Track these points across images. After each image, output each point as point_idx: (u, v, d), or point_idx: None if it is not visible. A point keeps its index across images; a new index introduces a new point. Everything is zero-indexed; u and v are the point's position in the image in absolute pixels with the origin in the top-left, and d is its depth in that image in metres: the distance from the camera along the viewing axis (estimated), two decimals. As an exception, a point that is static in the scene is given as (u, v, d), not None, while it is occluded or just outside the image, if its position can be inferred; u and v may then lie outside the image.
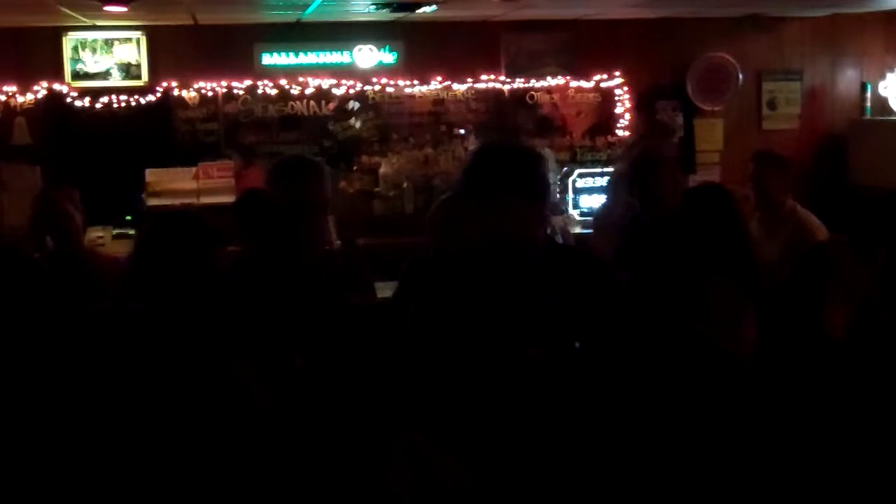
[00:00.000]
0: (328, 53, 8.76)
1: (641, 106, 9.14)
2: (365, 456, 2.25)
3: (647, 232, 4.88)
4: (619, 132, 9.12)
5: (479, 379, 3.02)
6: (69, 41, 8.36)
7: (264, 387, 0.88)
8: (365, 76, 8.79)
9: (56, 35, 8.31)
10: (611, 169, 8.68)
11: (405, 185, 8.68)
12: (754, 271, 4.17)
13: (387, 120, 8.93)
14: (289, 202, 3.60)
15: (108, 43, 8.41)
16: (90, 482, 0.83)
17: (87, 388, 0.87)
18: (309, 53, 8.73)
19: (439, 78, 8.85)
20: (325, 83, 8.74)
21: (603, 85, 9.10)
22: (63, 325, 0.94)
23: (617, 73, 9.06)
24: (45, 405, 0.86)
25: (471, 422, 2.95)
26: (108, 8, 6.83)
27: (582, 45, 8.95)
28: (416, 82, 8.87)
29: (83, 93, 8.35)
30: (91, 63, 8.37)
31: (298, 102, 8.78)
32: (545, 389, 2.96)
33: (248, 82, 8.65)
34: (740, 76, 9.08)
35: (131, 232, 7.25)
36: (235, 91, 8.65)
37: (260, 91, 8.68)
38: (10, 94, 8.27)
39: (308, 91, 8.75)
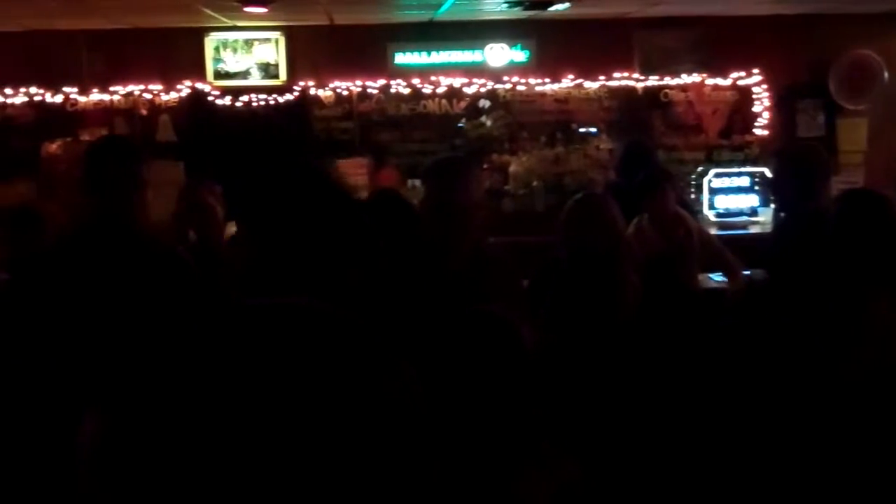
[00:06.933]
0: (460, 52, 8.81)
1: (781, 104, 8.89)
2: (501, 465, 2.24)
3: (789, 233, 4.74)
4: (757, 131, 8.90)
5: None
6: (211, 41, 8.63)
7: (421, 387, 0.88)
8: (496, 75, 8.80)
9: (198, 36, 8.59)
10: (748, 168, 8.49)
11: (535, 183, 8.65)
12: None
13: (517, 118, 8.92)
14: (434, 203, 3.61)
15: (248, 43, 8.65)
16: (250, 489, 0.84)
17: (251, 390, 0.87)
18: (441, 52, 8.79)
19: (571, 76, 8.80)
20: (457, 82, 8.78)
21: (740, 83, 8.89)
22: (221, 317, 0.95)
23: (755, 71, 8.84)
24: (198, 407, 0.87)
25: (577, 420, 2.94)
26: (248, 9, 7.03)
27: (718, 42, 8.75)
28: (547, 80, 8.83)
29: (224, 91, 8.61)
30: (232, 63, 8.63)
31: (430, 101, 8.85)
32: None
33: (381, 81, 8.76)
34: (885, 74, 8.73)
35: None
36: (369, 90, 8.78)
37: (393, 90, 8.78)
38: (156, 92, 8.58)
39: (440, 90, 8.81)
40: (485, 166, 8.80)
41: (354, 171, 8.27)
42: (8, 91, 8.45)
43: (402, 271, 3.68)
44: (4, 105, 8.51)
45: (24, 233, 4.61)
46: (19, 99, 8.49)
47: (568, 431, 2.75)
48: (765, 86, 8.88)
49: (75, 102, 8.55)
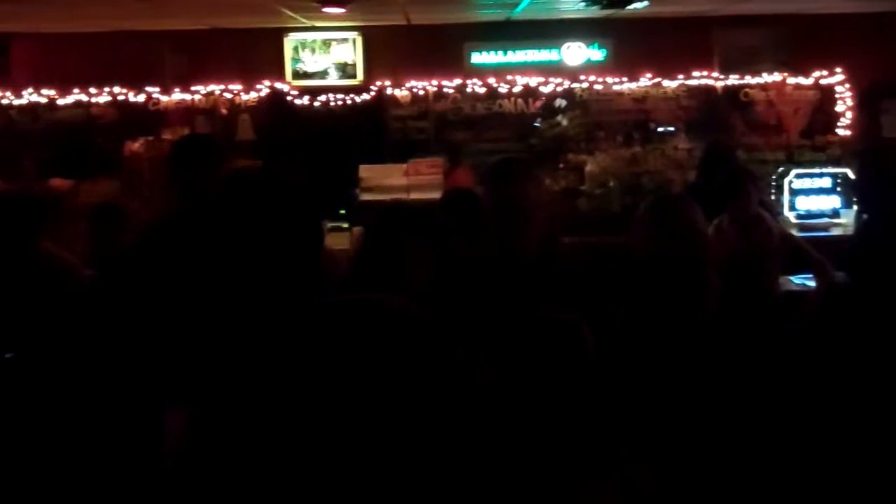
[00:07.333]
0: (537, 51, 8.79)
1: (864, 104, 8.69)
2: (569, 470, 2.23)
3: (872, 235, 4.65)
4: (840, 131, 8.70)
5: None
6: (290, 42, 8.74)
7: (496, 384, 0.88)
8: (573, 74, 8.76)
9: (278, 36, 8.70)
10: (830, 169, 8.30)
11: (612, 183, 8.57)
12: None
13: (594, 118, 8.86)
14: (492, 205, 3.61)
15: (326, 43, 8.74)
16: (330, 479, 0.85)
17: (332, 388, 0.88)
18: (518, 52, 8.78)
19: (649, 75, 8.71)
20: (533, 81, 8.76)
21: (822, 82, 8.71)
22: (301, 314, 0.96)
23: (838, 70, 8.65)
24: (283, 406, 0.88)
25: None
26: (326, 9, 7.10)
27: (800, 41, 8.59)
28: (624, 79, 8.75)
29: (302, 91, 8.71)
30: (310, 63, 8.73)
31: (506, 101, 8.84)
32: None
33: (457, 81, 8.78)
34: (975, 72, 8.49)
35: (345, 225, 7.47)
36: (445, 90, 8.80)
37: (469, 90, 8.79)
38: (236, 92, 8.72)
39: (516, 89, 8.80)
40: (560, 166, 8.76)
41: (429, 170, 8.31)
42: (92, 91, 8.65)
43: (473, 271, 3.69)
44: (89, 104, 8.71)
45: (106, 229, 4.71)
46: (103, 98, 8.69)
47: (644, 437, 2.73)
48: (847, 85, 8.69)
49: (157, 102, 8.72)
